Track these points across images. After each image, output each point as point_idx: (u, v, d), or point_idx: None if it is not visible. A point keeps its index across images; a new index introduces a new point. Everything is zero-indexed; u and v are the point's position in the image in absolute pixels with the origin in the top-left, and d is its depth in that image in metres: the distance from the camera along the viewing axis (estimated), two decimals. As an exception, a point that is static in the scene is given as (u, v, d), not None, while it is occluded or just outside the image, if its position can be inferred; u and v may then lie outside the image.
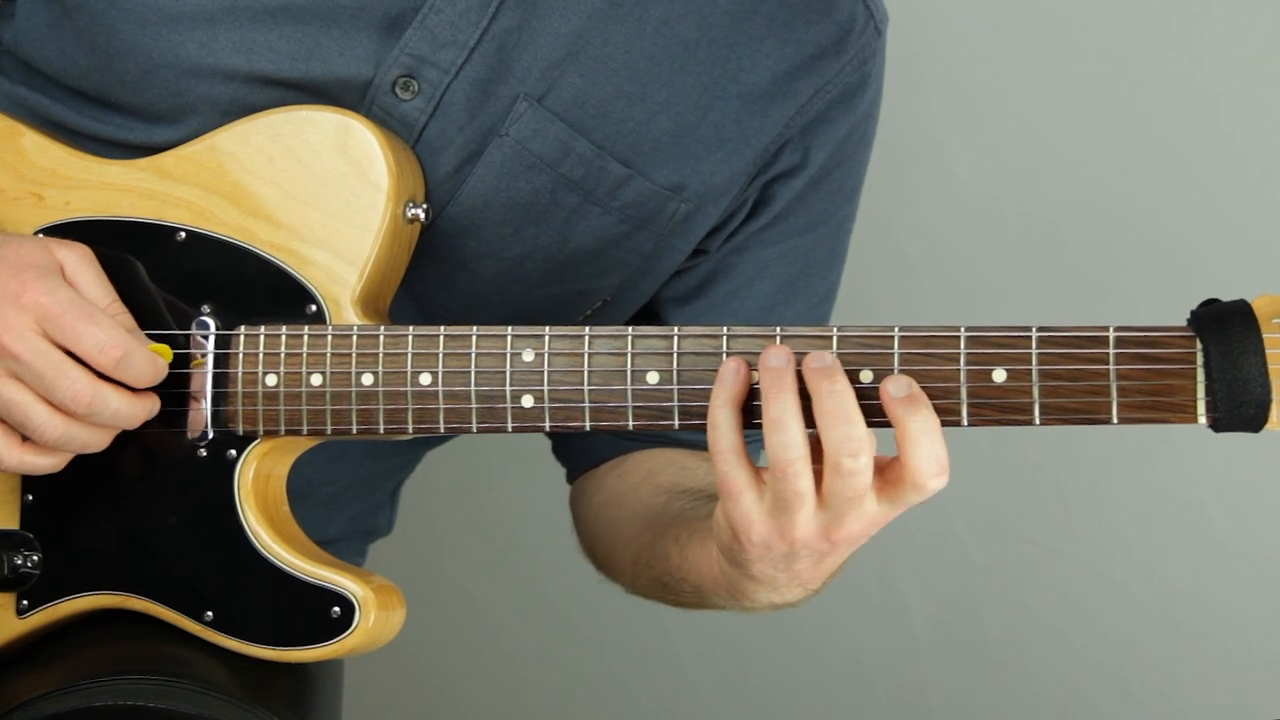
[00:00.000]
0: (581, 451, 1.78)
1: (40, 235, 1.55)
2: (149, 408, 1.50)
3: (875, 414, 1.43)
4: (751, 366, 1.42)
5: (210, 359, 1.53)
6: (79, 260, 1.50)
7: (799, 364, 1.40)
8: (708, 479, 1.51)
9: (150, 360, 1.48)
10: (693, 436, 1.67)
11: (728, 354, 1.44)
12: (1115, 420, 1.41)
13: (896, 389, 1.38)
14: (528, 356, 1.49)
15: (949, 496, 2.60)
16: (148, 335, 1.53)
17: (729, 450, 1.40)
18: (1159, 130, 2.51)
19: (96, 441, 1.49)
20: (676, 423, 1.47)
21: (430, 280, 1.63)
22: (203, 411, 1.53)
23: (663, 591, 1.66)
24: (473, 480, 2.76)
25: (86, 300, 1.48)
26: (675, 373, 1.47)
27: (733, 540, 1.43)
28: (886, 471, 1.39)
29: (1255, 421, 1.40)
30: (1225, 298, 1.42)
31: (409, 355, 1.50)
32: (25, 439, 1.48)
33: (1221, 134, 2.49)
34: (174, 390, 1.53)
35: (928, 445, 1.37)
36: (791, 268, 1.72)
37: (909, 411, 1.37)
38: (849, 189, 1.73)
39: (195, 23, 1.56)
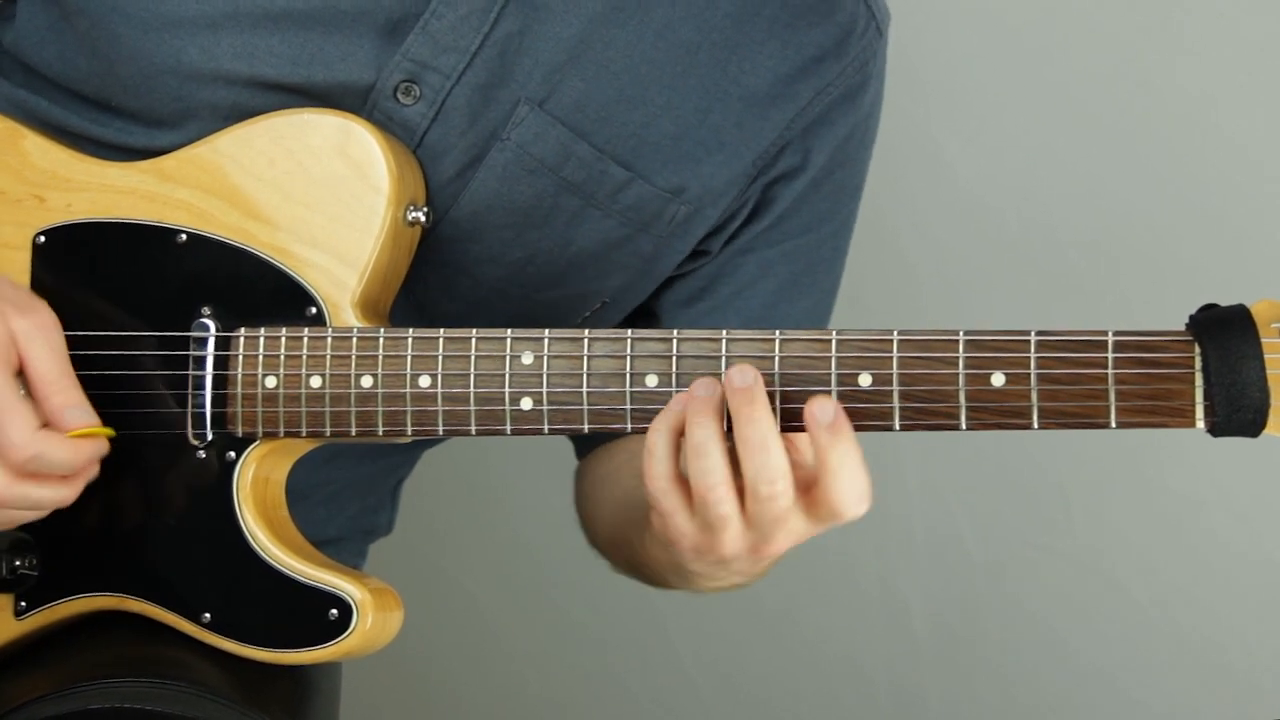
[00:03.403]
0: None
1: (10, 286, 1.52)
2: (68, 495, 1.49)
3: (872, 416, 1.43)
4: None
5: (210, 361, 1.53)
6: (31, 332, 1.48)
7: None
8: None
9: (68, 451, 1.47)
10: None
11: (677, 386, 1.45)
12: (1114, 425, 1.41)
13: (823, 414, 1.39)
14: (527, 359, 1.49)
15: (950, 496, 2.63)
16: (147, 336, 1.54)
17: (662, 476, 1.42)
18: (1159, 133, 2.51)
19: (26, 517, 1.50)
20: (676, 426, 1.47)
21: (432, 285, 1.63)
22: (202, 416, 1.53)
23: (635, 573, 1.69)
24: (473, 479, 2.76)
25: (8, 394, 1.45)
26: (674, 375, 1.47)
27: (670, 546, 1.47)
28: (811, 492, 1.40)
29: (1254, 426, 1.40)
30: (1224, 302, 1.42)
31: (408, 357, 1.50)
32: None
33: (1222, 137, 2.49)
34: (174, 393, 1.53)
35: (848, 478, 1.39)
36: (794, 266, 1.72)
37: (831, 442, 1.38)
38: (851, 188, 1.73)
39: (197, 28, 1.56)
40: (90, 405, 1.49)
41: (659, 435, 1.42)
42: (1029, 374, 1.42)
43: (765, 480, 1.38)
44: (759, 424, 1.39)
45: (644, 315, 1.74)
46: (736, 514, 1.41)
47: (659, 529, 1.46)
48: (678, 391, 1.45)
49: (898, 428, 1.43)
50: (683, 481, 1.43)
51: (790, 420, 1.44)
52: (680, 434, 1.42)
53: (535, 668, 2.80)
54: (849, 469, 1.38)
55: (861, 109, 1.68)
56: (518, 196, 1.60)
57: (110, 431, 1.50)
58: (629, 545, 1.65)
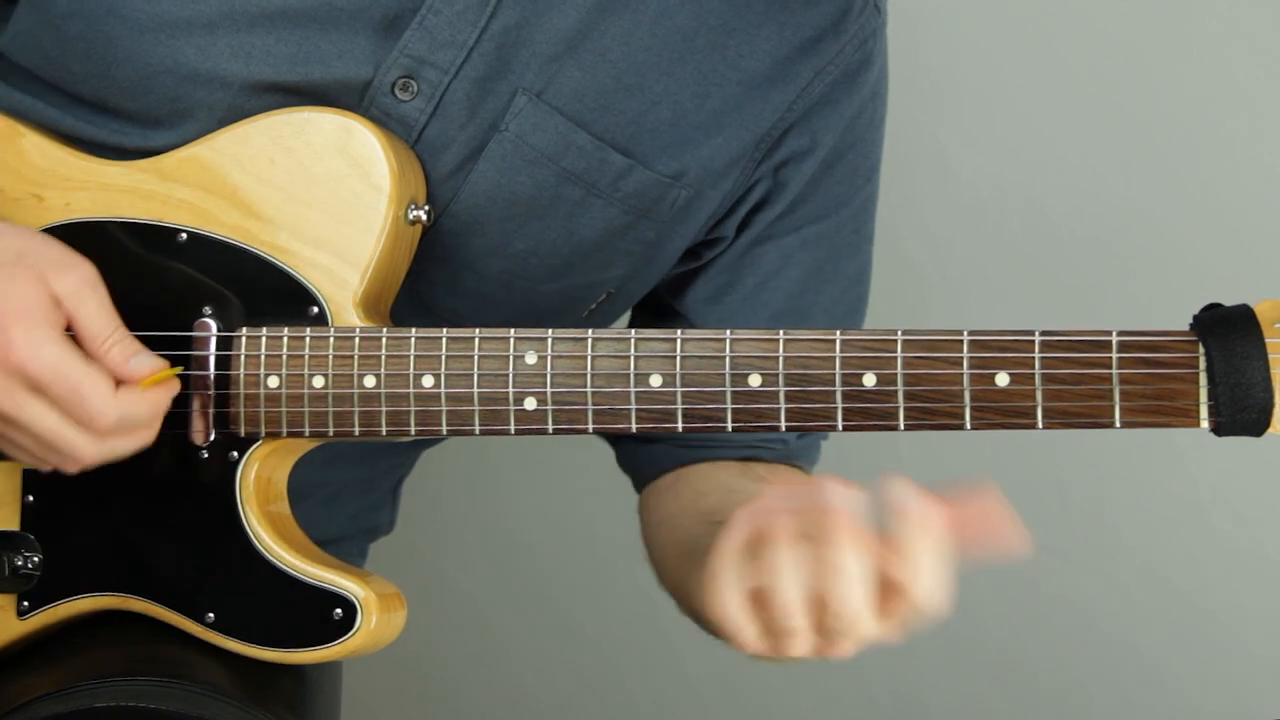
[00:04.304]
0: (645, 461, 1.77)
1: (43, 242, 1.50)
2: (149, 437, 1.49)
3: (876, 416, 1.43)
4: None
5: (212, 361, 1.53)
6: (77, 290, 1.46)
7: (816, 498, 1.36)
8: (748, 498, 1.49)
9: (148, 404, 1.47)
10: (753, 438, 1.69)
11: (681, 411, 1.45)
12: (1118, 424, 1.42)
13: (911, 505, 1.35)
14: (530, 359, 1.48)
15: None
16: (149, 336, 1.54)
17: (729, 602, 1.38)
18: (1163, 133, 2.51)
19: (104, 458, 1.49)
20: (680, 425, 1.47)
21: (437, 282, 1.63)
22: (205, 415, 1.53)
23: (700, 623, 1.64)
24: (473, 479, 2.76)
25: (74, 360, 1.44)
26: (678, 375, 1.47)
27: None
28: (886, 595, 1.35)
29: (1257, 426, 1.40)
30: (1228, 302, 1.42)
31: (411, 357, 1.50)
32: None
33: (1226, 137, 2.49)
34: (176, 393, 1.53)
35: (931, 574, 1.34)
36: (817, 253, 1.71)
37: (924, 544, 1.34)
38: (866, 169, 1.73)
39: (193, 28, 1.56)
40: (146, 347, 1.48)
41: (725, 563, 1.38)
42: (1033, 374, 1.42)
43: (848, 607, 1.34)
44: (848, 555, 1.34)
45: (670, 315, 1.73)
46: (808, 627, 1.37)
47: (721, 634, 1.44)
48: (684, 409, 1.45)
49: (902, 428, 1.44)
50: (751, 598, 1.39)
51: (793, 420, 1.44)
52: (740, 555, 1.38)
53: (535, 668, 2.80)
54: (931, 569, 1.34)
55: (865, 87, 1.68)
56: (518, 188, 1.60)
57: (178, 369, 1.50)
58: (690, 598, 1.61)
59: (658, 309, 1.74)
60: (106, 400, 1.44)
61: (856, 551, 1.34)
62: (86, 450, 1.46)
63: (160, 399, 1.48)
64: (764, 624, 1.40)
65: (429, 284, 1.62)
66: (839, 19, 1.66)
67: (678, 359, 1.47)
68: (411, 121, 1.58)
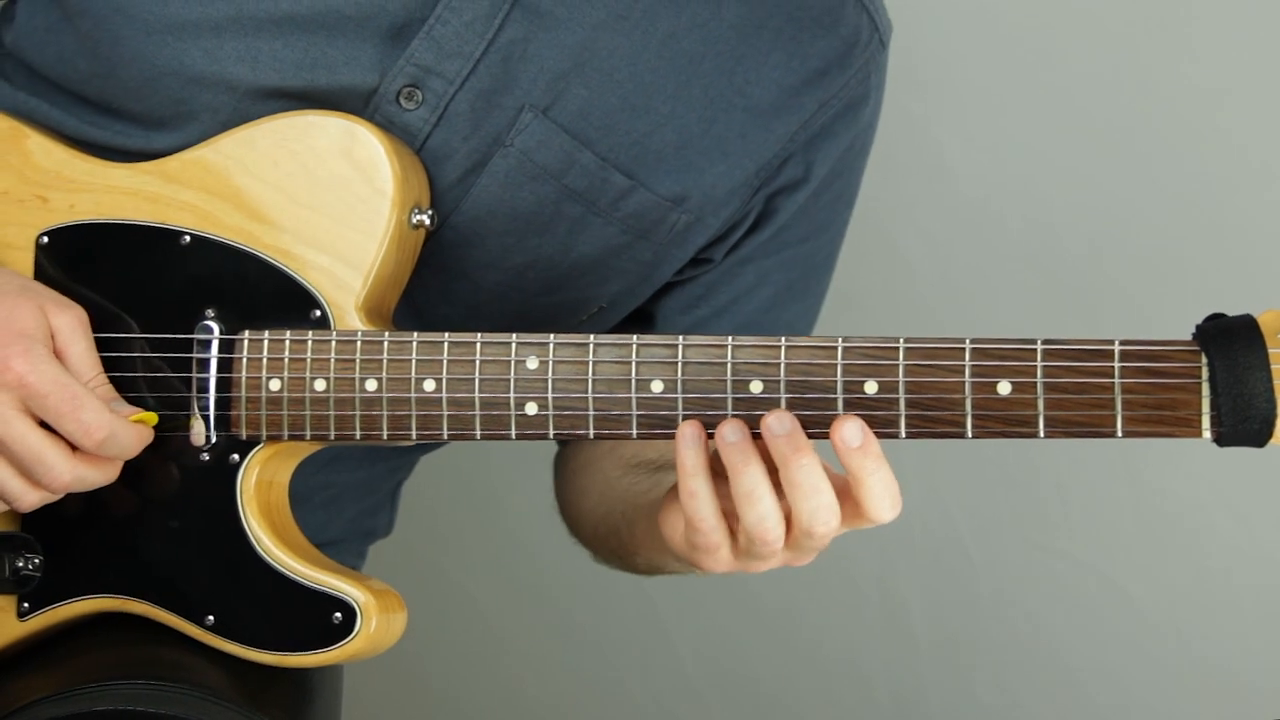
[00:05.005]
0: None
1: (42, 285, 1.55)
2: (113, 476, 1.51)
3: (878, 424, 1.43)
4: (708, 427, 1.44)
5: (214, 363, 1.53)
6: (72, 329, 1.51)
7: (756, 425, 1.42)
8: (667, 448, 1.53)
9: (134, 433, 1.49)
10: None
11: (683, 417, 1.45)
12: (1119, 434, 1.41)
13: (852, 438, 1.40)
14: (532, 364, 1.48)
15: (949, 496, 2.62)
16: (151, 339, 1.54)
17: (710, 516, 1.44)
18: (1166, 139, 2.50)
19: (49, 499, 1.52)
20: (681, 432, 1.47)
21: (432, 290, 1.63)
22: (206, 418, 1.53)
23: (619, 562, 1.71)
24: (473, 480, 2.75)
25: (70, 377, 1.48)
26: (680, 382, 1.46)
27: (698, 565, 1.49)
28: (845, 502, 1.43)
29: (1260, 437, 1.40)
30: (1231, 312, 1.42)
31: (413, 361, 1.50)
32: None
33: (1230, 144, 2.48)
34: (177, 395, 1.53)
35: (881, 490, 1.41)
36: (792, 273, 1.72)
37: (863, 463, 1.40)
38: (848, 196, 1.74)
39: (200, 31, 1.56)
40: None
41: (698, 480, 1.43)
42: (1035, 383, 1.42)
43: (820, 521, 1.41)
44: (809, 469, 1.41)
45: (640, 319, 1.74)
46: (783, 544, 1.43)
47: (689, 555, 1.48)
48: (686, 416, 1.45)
49: (903, 435, 1.43)
50: (727, 516, 1.44)
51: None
52: (711, 470, 1.44)
53: (535, 668, 2.80)
54: (882, 483, 1.41)
55: (862, 120, 1.69)
56: (519, 203, 1.60)
57: (156, 418, 1.52)
58: (616, 536, 1.66)
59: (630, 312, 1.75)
60: (102, 412, 1.47)
61: (821, 472, 1.41)
62: (63, 472, 1.47)
63: (143, 433, 1.51)
64: (741, 548, 1.45)
65: (424, 292, 1.63)
66: (845, 52, 1.66)
67: (679, 365, 1.46)
68: (415, 130, 1.58)
